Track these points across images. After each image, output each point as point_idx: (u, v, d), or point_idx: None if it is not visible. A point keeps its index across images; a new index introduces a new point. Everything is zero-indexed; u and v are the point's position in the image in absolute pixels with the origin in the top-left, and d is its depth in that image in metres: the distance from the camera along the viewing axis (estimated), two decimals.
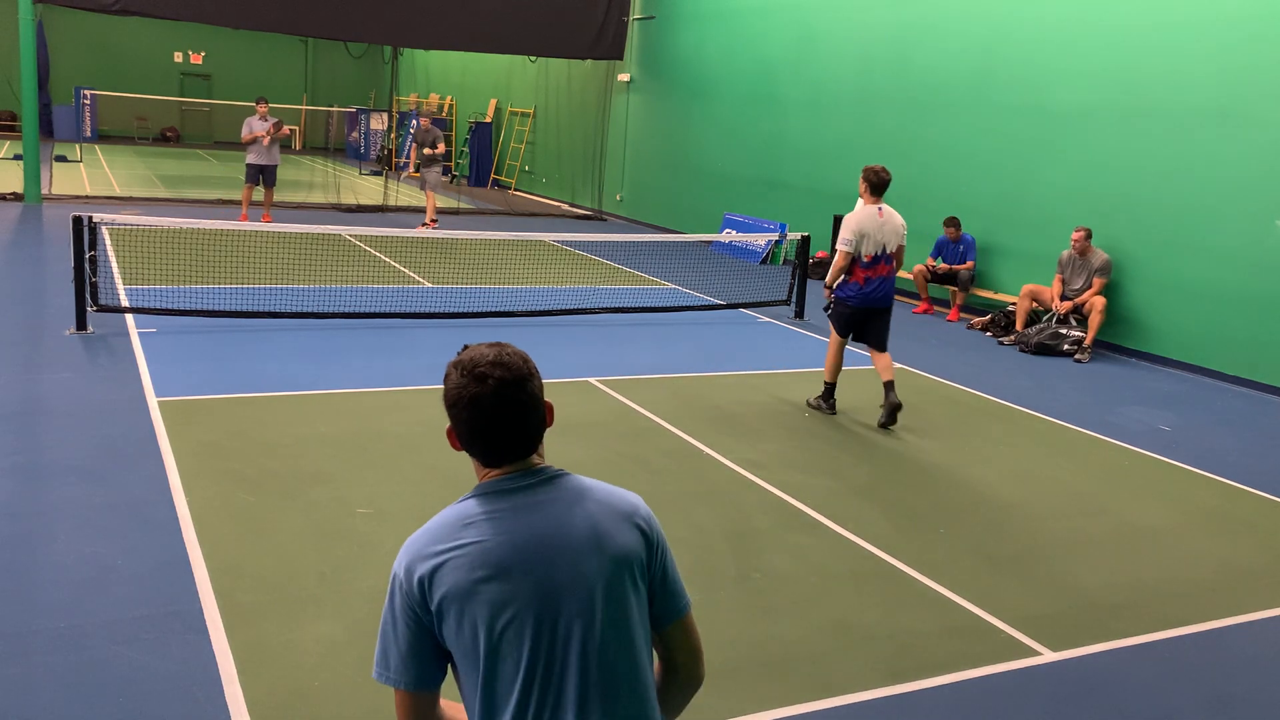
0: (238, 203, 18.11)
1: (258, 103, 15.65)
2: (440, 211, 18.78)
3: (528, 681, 1.78)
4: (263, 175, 15.62)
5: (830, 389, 7.67)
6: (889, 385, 7.35)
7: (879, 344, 7.54)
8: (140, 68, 34.24)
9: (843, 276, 7.44)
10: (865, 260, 7.30)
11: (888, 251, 7.36)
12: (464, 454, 1.98)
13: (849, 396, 8.20)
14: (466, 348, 1.92)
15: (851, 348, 8.01)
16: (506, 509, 1.86)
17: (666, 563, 1.92)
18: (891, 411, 7.31)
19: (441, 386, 1.95)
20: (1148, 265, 10.60)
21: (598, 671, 1.80)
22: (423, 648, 1.82)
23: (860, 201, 7.43)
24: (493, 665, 1.79)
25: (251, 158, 15.51)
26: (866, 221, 7.27)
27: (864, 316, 7.49)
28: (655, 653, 1.95)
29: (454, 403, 1.88)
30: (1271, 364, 9.52)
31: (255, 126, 15.40)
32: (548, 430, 2.02)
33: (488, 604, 1.78)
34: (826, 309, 7.72)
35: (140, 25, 31.29)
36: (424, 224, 16.35)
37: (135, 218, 9.87)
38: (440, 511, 1.90)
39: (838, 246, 7.40)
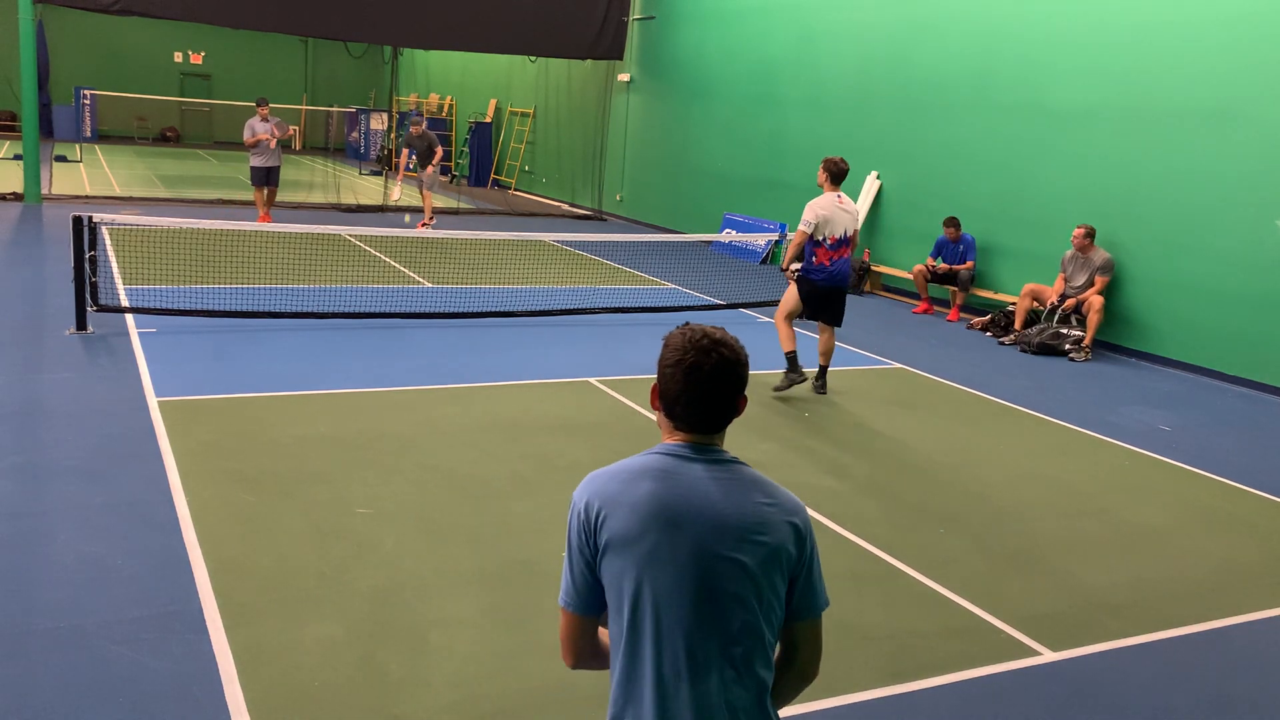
0: (238, 203, 18.15)
1: (258, 104, 15.58)
2: (440, 211, 18.79)
3: (659, 638, 1.90)
4: (267, 176, 15.58)
5: (793, 358, 7.98)
6: (824, 370, 8.18)
7: (836, 320, 8.12)
8: (140, 68, 34.25)
9: (805, 260, 7.98)
10: (830, 243, 7.86)
11: (847, 235, 7.90)
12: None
13: (848, 396, 8.20)
14: (688, 325, 2.09)
15: (803, 332, 8.48)
16: (686, 472, 1.98)
17: (813, 565, 2.02)
18: (819, 390, 8.15)
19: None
20: (1148, 265, 10.60)
21: (727, 646, 1.90)
22: (590, 576, 1.96)
23: (823, 191, 7.97)
24: (636, 616, 1.90)
25: (257, 160, 15.42)
26: (827, 208, 7.81)
27: (827, 295, 8.01)
28: (780, 642, 2.04)
29: (674, 363, 2.01)
30: (1271, 364, 9.52)
31: (257, 128, 15.30)
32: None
33: (647, 555, 1.89)
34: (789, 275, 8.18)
35: (140, 25, 31.29)
36: (422, 223, 16.34)
37: (135, 218, 9.87)
38: (626, 459, 2.02)
39: (799, 227, 7.92)
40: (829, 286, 7.95)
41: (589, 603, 1.98)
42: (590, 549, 1.94)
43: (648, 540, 1.90)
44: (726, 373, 2.02)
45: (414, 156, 16.56)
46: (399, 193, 17.48)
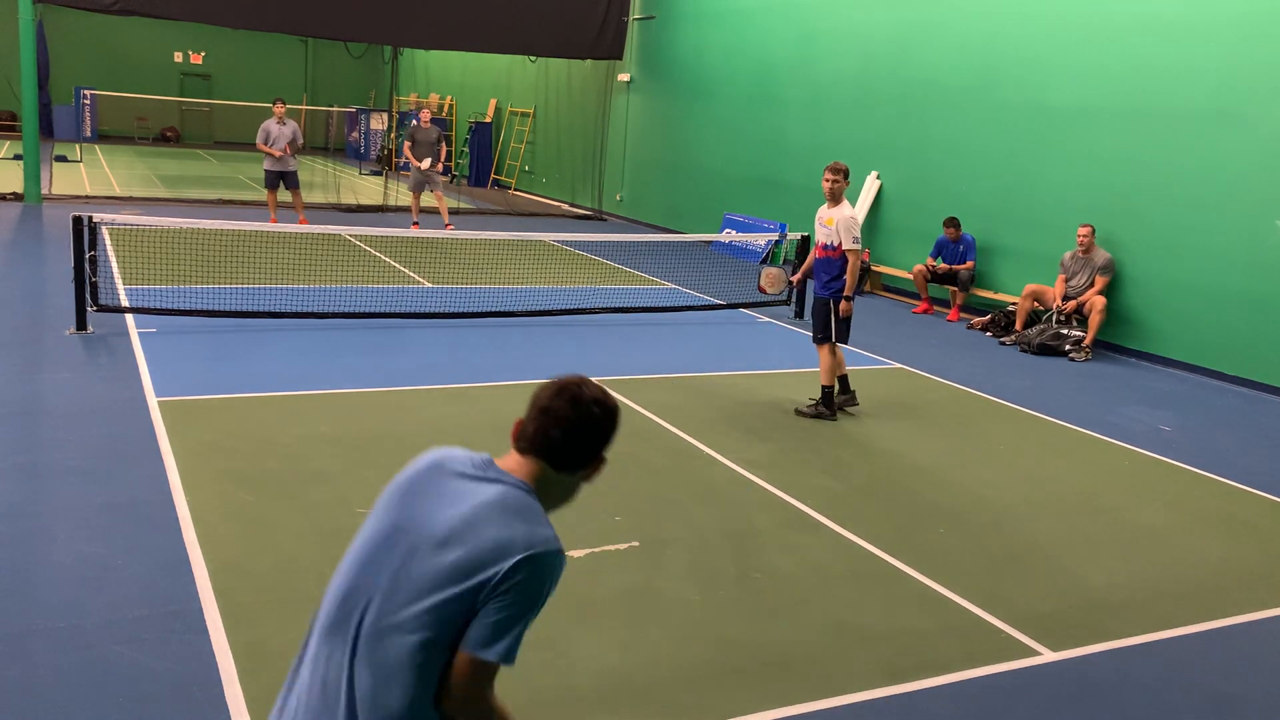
0: (238, 203, 18.15)
1: (275, 104, 15.30)
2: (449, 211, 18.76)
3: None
4: (284, 180, 15.32)
5: (844, 383, 7.69)
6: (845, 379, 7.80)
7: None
8: (140, 68, 34.24)
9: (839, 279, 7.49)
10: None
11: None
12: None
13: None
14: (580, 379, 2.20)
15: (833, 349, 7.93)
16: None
17: (506, 606, 1.90)
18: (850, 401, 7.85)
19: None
20: (1148, 265, 10.60)
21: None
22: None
23: (850, 200, 7.48)
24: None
25: (269, 164, 15.23)
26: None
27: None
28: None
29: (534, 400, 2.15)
30: (1271, 364, 9.52)
31: (272, 131, 15.02)
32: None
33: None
34: (845, 322, 7.51)
35: (140, 25, 31.29)
36: (446, 225, 15.85)
37: (135, 218, 9.87)
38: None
39: (852, 247, 7.31)
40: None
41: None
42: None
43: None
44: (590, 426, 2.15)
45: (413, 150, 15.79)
46: (413, 165, 16.03)
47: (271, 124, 15.10)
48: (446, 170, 15.49)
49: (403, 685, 1.89)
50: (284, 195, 15.70)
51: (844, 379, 7.73)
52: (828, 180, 7.38)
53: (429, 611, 1.89)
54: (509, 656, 1.89)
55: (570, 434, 2.13)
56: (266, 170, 15.29)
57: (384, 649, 1.90)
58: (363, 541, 2.05)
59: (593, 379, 2.18)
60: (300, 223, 14.75)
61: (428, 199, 16.74)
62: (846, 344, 7.67)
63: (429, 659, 1.89)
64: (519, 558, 1.91)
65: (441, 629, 1.89)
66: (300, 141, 15.44)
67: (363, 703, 1.91)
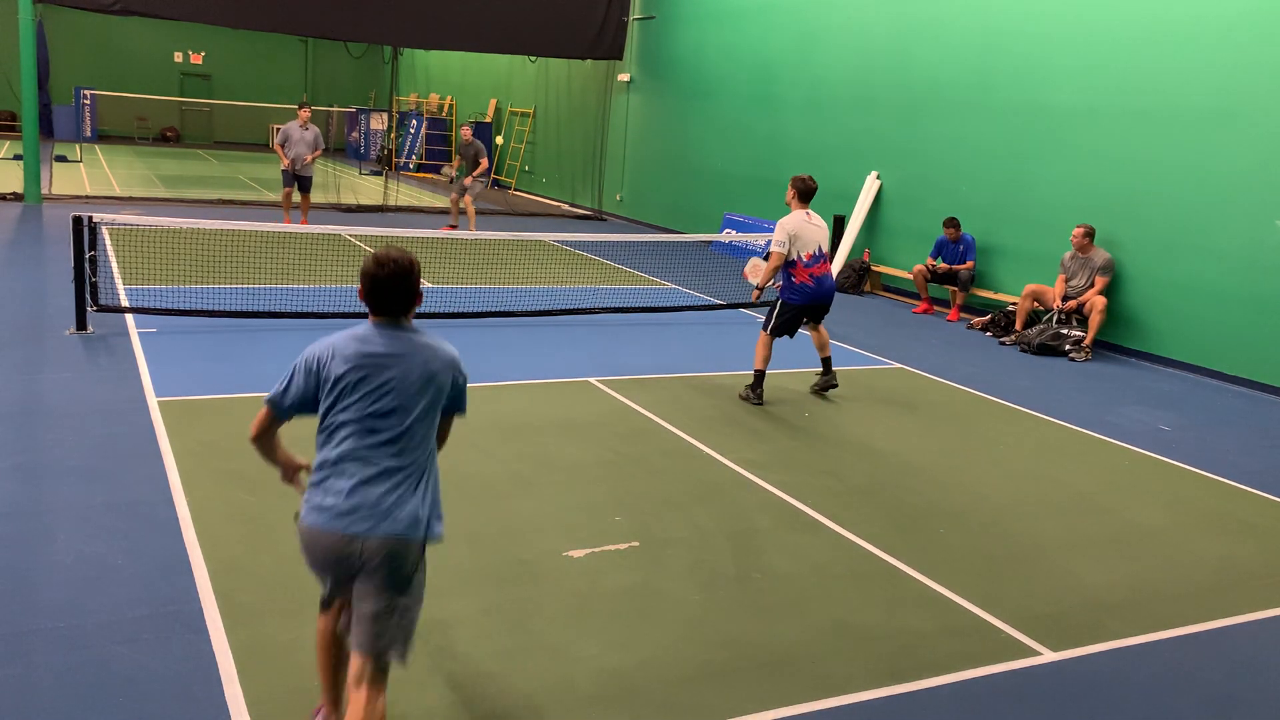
0: (238, 203, 18.15)
1: (300, 108, 15.04)
2: (442, 211, 18.81)
3: (359, 430, 3.02)
4: (299, 182, 15.13)
5: (760, 377, 7.89)
6: (828, 361, 8.14)
7: (818, 321, 8.18)
8: (140, 68, 34.25)
9: (783, 283, 7.92)
10: (806, 260, 7.81)
11: (822, 251, 7.89)
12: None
13: (848, 396, 8.20)
14: (385, 248, 3.07)
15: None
16: (382, 336, 3.07)
17: (460, 391, 3.21)
18: (825, 389, 8.16)
19: None
20: (1148, 265, 10.60)
21: (405, 431, 3.04)
22: (305, 395, 3.11)
23: (790, 209, 7.94)
24: (334, 419, 3.06)
25: (288, 165, 14.95)
26: (798, 225, 7.79)
27: (808, 313, 8.01)
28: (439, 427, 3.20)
29: (362, 274, 3.06)
30: (1271, 364, 9.52)
31: (293, 134, 14.74)
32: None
33: (358, 381, 3.03)
34: (778, 315, 8.04)
35: (140, 25, 31.31)
36: (467, 226, 16.05)
37: (135, 218, 9.86)
38: (346, 331, 3.11)
39: (771, 249, 7.86)
40: (810, 305, 7.91)
41: (285, 411, 3.17)
42: (313, 380, 3.08)
43: (361, 373, 3.02)
44: (395, 283, 3.03)
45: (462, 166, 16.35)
46: (454, 178, 16.84)
47: (294, 127, 14.83)
48: (483, 177, 16.16)
49: None
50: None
51: (826, 361, 8.16)
52: None
53: None
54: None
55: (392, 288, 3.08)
56: (284, 170, 15.07)
57: None
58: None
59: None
60: (301, 222, 14.70)
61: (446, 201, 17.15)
62: (779, 336, 8.01)
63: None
64: None
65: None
66: (322, 146, 15.17)
67: None
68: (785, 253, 7.78)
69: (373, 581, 2.97)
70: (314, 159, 15.08)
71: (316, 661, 3.28)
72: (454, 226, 16.33)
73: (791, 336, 8.10)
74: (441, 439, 3.24)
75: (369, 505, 2.95)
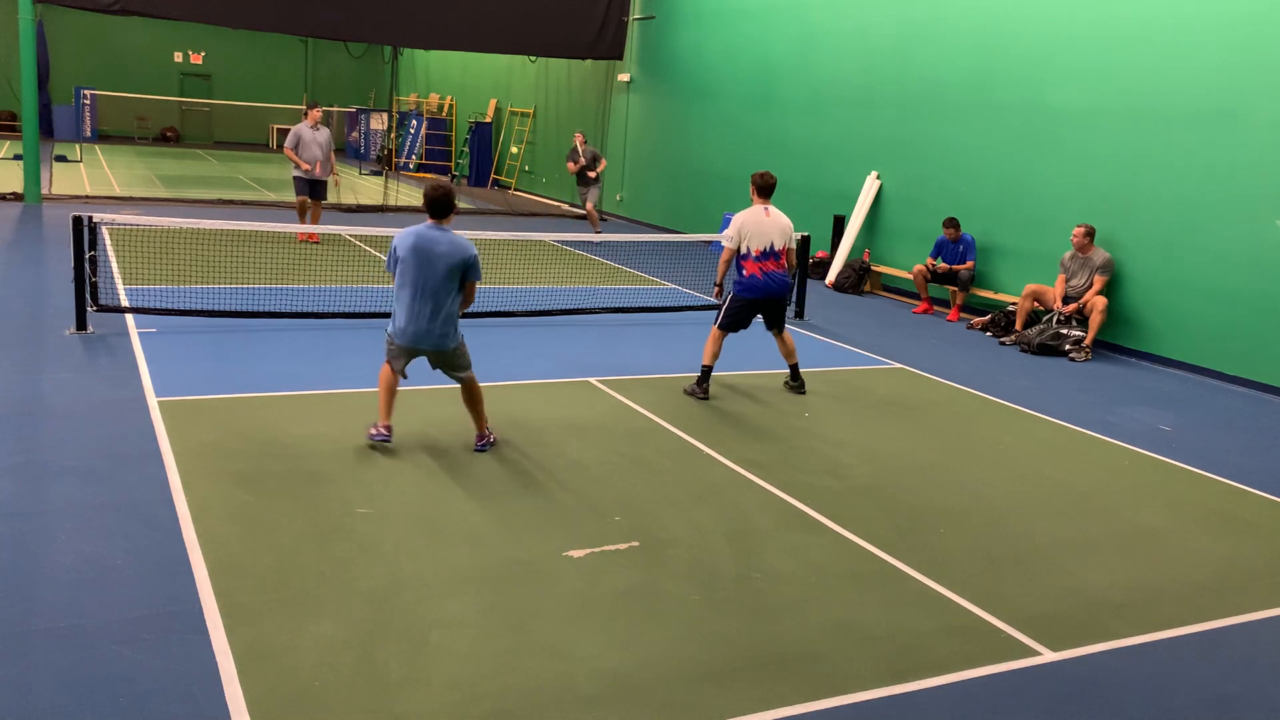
0: (238, 203, 18.14)
1: (310, 108, 14.04)
2: None
3: (413, 293, 5.94)
4: (312, 189, 14.02)
5: (707, 372, 7.90)
6: (795, 369, 8.21)
7: (778, 326, 8.20)
8: (140, 68, 34.25)
9: (731, 271, 8.02)
10: (755, 255, 7.85)
11: (775, 248, 7.89)
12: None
13: (848, 396, 8.20)
14: (435, 180, 5.99)
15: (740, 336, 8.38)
16: (432, 231, 5.93)
17: (472, 271, 5.98)
18: (794, 392, 8.22)
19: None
20: (1148, 265, 10.60)
21: (433, 295, 5.92)
22: (390, 263, 6.04)
23: (751, 203, 8.03)
24: (404, 279, 5.97)
25: (299, 171, 13.79)
26: (750, 220, 7.88)
27: (758, 308, 8.00)
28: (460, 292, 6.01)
29: (423, 193, 5.95)
30: (1271, 364, 9.52)
31: (304, 136, 13.70)
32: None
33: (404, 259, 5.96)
34: (718, 296, 8.29)
35: (140, 25, 31.31)
36: (596, 231, 16.20)
37: (135, 218, 9.85)
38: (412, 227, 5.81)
39: (723, 243, 8.06)
40: (756, 300, 7.90)
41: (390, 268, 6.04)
42: (394, 256, 5.94)
43: (411, 255, 5.90)
44: (438, 197, 5.88)
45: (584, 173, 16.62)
46: (580, 180, 17.03)
47: (304, 128, 13.75)
48: (597, 179, 16.90)
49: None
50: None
51: (794, 368, 8.23)
52: None
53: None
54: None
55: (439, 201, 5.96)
56: (295, 177, 13.85)
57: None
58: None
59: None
60: (311, 238, 13.97)
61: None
62: (729, 331, 8.00)
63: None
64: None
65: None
66: (331, 149, 14.10)
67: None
68: (734, 247, 7.90)
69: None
70: (336, 180, 14.60)
71: (379, 399, 6.14)
72: (598, 231, 16.41)
73: (746, 328, 8.09)
74: (467, 299, 6.08)
75: (424, 328, 5.97)
